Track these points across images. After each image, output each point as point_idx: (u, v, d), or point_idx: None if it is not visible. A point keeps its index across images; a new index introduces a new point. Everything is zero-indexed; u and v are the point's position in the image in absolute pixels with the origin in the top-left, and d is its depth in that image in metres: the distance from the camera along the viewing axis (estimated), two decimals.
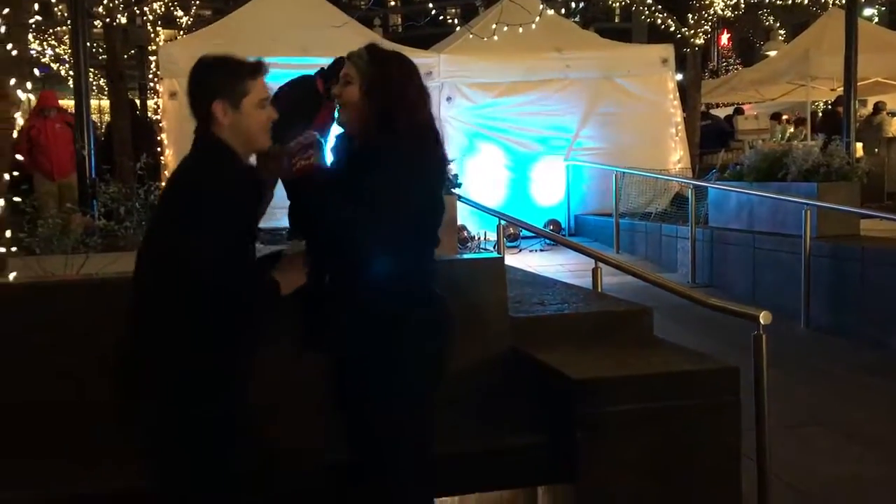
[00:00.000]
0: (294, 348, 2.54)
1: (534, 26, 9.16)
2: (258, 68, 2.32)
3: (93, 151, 7.70)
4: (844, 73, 8.88)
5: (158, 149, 9.73)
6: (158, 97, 12.30)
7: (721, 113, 17.06)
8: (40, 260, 4.61)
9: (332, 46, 9.65)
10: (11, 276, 3.98)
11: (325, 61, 10.72)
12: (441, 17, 15.16)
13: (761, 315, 3.07)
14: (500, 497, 3.54)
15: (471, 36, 8.82)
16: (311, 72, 2.70)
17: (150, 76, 16.74)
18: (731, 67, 24.93)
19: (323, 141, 2.45)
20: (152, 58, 16.00)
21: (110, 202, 7.70)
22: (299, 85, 2.66)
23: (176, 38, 15.88)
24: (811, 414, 4.60)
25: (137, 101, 15.58)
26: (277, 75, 2.51)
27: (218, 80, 2.29)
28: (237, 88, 2.28)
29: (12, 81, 3.84)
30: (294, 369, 2.81)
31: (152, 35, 15.09)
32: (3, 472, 2.77)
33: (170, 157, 9.43)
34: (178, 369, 2.21)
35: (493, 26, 8.29)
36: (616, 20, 29.85)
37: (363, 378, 2.39)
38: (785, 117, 16.68)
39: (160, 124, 10.02)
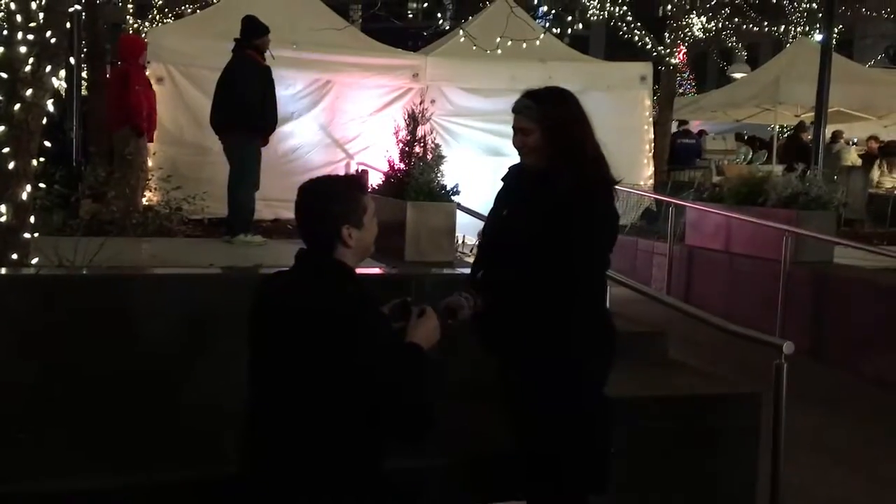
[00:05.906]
0: None
1: (530, 44, 9.32)
2: (365, 181, 2.36)
3: (82, 133, 7.57)
4: (816, 102, 9.24)
5: None
6: None
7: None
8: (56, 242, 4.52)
9: (322, 44, 9.66)
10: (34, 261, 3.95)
11: (315, 56, 10.63)
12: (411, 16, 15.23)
13: (784, 345, 3.21)
14: None
15: (461, 40, 8.90)
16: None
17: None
18: (684, 83, 25.46)
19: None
20: None
21: (98, 185, 7.59)
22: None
23: (149, 17, 15.57)
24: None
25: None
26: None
27: (343, 207, 2.26)
28: (359, 209, 2.28)
29: (48, 69, 3.78)
30: None
31: (126, 15, 14.77)
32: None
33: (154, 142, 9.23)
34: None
35: (498, 39, 8.41)
36: (578, 27, 30.12)
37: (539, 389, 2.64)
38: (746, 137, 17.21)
39: None
